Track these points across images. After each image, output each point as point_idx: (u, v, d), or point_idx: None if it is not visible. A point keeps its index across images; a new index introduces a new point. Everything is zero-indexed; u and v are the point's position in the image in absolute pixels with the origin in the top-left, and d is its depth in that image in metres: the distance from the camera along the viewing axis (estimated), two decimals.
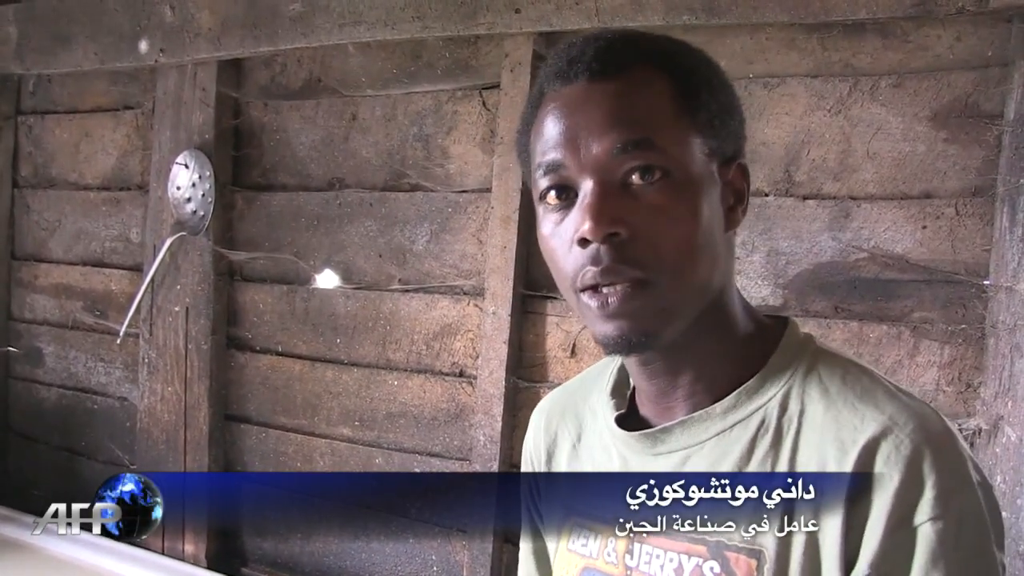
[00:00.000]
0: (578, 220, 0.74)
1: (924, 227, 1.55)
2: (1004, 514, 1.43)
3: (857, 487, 0.70)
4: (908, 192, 1.57)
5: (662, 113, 0.75)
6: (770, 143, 1.67)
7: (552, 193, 0.77)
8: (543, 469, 0.97)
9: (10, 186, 2.79)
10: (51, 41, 2.54)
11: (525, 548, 1.02)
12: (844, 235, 1.60)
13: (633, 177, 0.74)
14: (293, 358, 2.27)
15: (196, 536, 2.34)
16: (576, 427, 0.94)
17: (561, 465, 0.94)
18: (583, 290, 0.75)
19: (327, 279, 2.20)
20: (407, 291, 2.09)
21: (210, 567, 2.30)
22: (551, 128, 0.76)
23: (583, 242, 0.74)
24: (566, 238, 0.76)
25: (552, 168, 0.76)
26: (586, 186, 0.74)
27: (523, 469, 1.01)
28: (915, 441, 0.70)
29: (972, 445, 1.49)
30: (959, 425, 1.50)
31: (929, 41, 1.54)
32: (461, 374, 2.02)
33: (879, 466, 0.70)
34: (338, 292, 2.19)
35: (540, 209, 0.79)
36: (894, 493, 0.69)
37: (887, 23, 1.55)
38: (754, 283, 1.69)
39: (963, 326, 1.52)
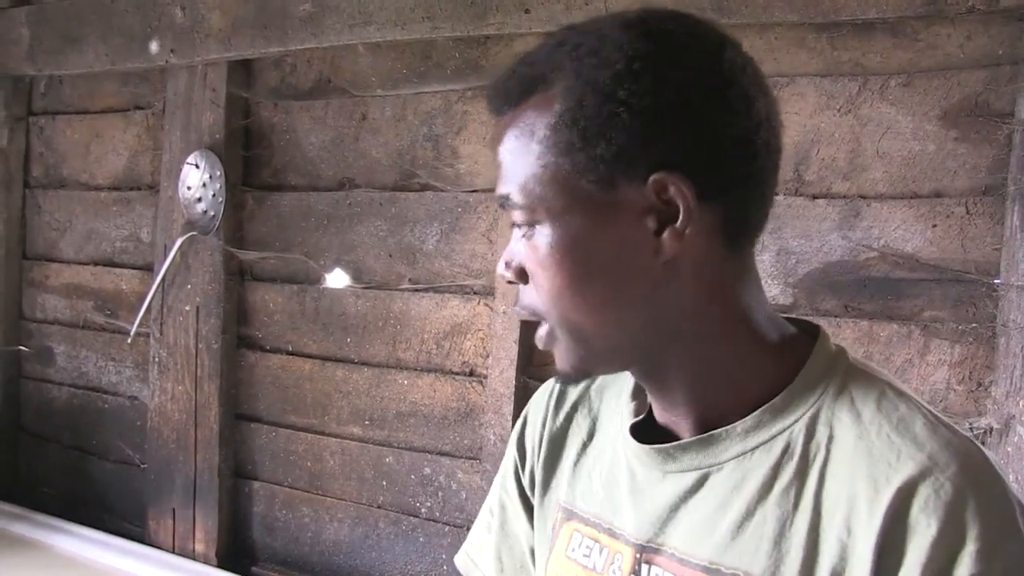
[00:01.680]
0: None
1: (934, 226, 1.55)
2: None
3: (890, 532, 0.64)
4: (918, 191, 1.57)
5: (536, 159, 0.72)
6: None
7: None
8: (540, 459, 0.90)
9: (21, 186, 2.80)
10: (62, 42, 2.55)
11: (494, 528, 0.95)
12: (854, 234, 1.60)
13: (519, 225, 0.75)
14: (303, 357, 2.28)
15: (206, 535, 2.35)
16: (590, 424, 0.88)
17: (566, 464, 0.88)
18: None
19: (337, 279, 2.21)
20: (417, 290, 2.09)
21: (220, 566, 2.31)
22: None
23: None
24: None
25: None
26: None
27: (512, 450, 0.94)
28: (957, 485, 0.63)
29: (983, 444, 1.49)
30: (970, 424, 1.50)
31: (939, 40, 1.54)
32: (471, 373, 2.03)
33: (915, 511, 0.63)
34: (348, 292, 2.20)
35: None
36: (932, 543, 0.62)
37: (897, 22, 1.55)
38: (764, 282, 1.68)
39: (974, 325, 1.52)
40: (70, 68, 2.58)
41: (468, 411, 2.02)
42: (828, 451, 0.69)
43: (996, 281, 1.49)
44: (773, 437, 0.72)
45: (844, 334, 1.61)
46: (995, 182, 1.50)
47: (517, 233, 0.76)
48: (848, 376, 0.73)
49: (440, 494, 2.06)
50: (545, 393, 0.93)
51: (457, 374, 2.05)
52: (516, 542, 0.94)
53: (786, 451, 0.71)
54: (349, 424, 2.20)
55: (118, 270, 2.60)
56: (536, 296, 0.75)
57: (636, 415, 0.83)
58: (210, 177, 2.28)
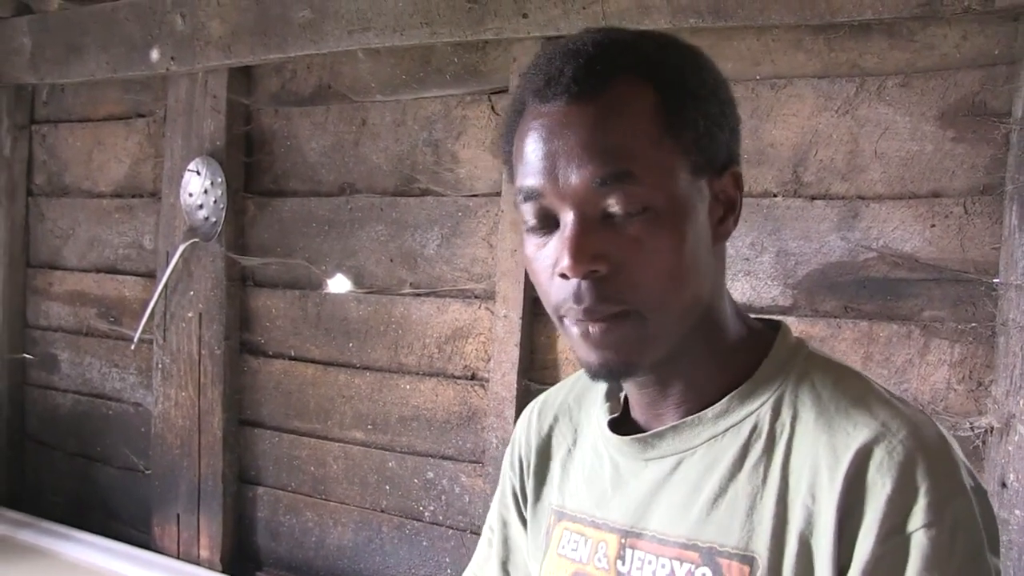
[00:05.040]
0: (558, 252, 0.73)
1: (933, 226, 1.55)
2: (1016, 512, 1.43)
3: (849, 494, 0.69)
4: (916, 191, 1.57)
5: (644, 137, 0.72)
6: (778, 144, 1.67)
7: (533, 220, 0.75)
8: (530, 472, 0.95)
9: (24, 194, 2.82)
10: (64, 51, 2.56)
11: (493, 559, 1.00)
12: (853, 235, 1.61)
13: (614, 209, 0.72)
14: (306, 362, 2.28)
15: (211, 540, 2.36)
16: (572, 432, 0.94)
17: (555, 470, 0.93)
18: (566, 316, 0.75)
19: (339, 284, 2.22)
20: (418, 295, 2.10)
21: (225, 571, 2.32)
22: (531, 151, 0.74)
23: (564, 276, 0.72)
24: (547, 264, 0.75)
25: (531, 195, 0.74)
26: (566, 217, 0.73)
27: (507, 468, 0.99)
28: (908, 447, 0.70)
29: (984, 444, 1.49)
30: (970, 424, 1.50)
31: (935, 40, 1.54)
32: (473, 377, 2.03)
33: (872, 472, 0.69)
34: (350, 296, 2.21)
35: (523, 228, 0.78)
36: (887, 500, 0.68)
37: (893, 23, 1.56)
38: (763, 284, 1.69)
39: (973, 324, 1.52)
40: (72, 76, 2.59)
41: (470, 415, 2.03)
42: (792, 428, 0.75)
43: (995, 280, 1.49)
44: (742, 420, 0.78)
45: (844, 335, 1.61)
46: (993, 181, 1.50)
47: (591, 223, 0.72)
48: (809, 362, 0.79)
49: (443, 498, 2.06)
50: (528, 413, 0.99)
51: (459, 378, 2.05)
52: (520, 555, 0.98)
53: (754, 431, 0.77)
54: (352, 429, 2.21)
55: (121, 277, 2.62)
56: (630, 280, 0.72)
57: (611, 414, 0.88)
58: (211, 183, 2.29)
